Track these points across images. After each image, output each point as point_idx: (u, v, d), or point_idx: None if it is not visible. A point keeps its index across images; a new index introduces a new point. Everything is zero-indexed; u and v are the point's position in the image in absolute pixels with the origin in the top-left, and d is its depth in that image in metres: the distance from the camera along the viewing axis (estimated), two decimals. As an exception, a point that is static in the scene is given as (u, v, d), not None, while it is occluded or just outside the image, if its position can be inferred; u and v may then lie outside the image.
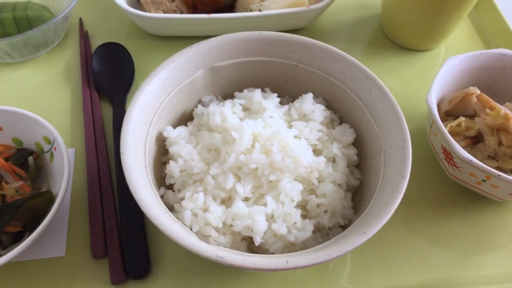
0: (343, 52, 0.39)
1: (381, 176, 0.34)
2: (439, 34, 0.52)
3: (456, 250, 0.40)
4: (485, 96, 0.42)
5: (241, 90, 0.41)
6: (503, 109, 0.40)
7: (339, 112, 0.41)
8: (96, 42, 0.53)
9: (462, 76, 0.45)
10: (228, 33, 0.40)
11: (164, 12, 0.54)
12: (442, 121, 0.43)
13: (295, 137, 0.36)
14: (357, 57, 0.53)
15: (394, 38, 0.55)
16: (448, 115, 0.44)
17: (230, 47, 0.39)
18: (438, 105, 0.44)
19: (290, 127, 0.38)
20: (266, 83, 0.41)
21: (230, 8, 0.56)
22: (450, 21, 0.50)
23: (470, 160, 0.37)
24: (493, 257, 0.40)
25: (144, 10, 0.53)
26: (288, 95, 0.42)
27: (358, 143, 0.39)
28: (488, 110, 0.40)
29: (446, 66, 0.43)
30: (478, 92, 0.43)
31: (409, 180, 0.43)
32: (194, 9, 0.55)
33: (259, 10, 0.52)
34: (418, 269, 0.39)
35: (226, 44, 0.39)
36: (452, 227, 0.41)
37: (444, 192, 0.43)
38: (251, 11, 0.53)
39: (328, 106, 0.41)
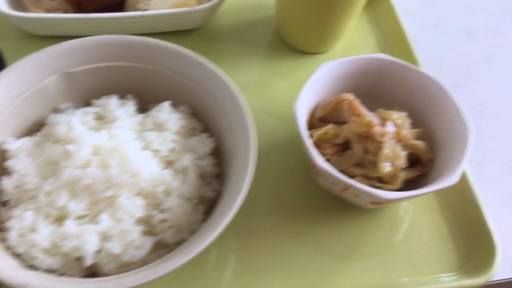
0: (201, 59, 0.37)
1: (228, 189, 0.33)
2: (331, 36, 0.52)
3: (333, 255, 0.40)
4: (354, 103, 0.41)
5: (100, 97, 0.39)
6: (368, 117, 0.39)
7: (205, 120, 0.39)
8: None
9: (339, 81, 0.44)
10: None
11: (46, 11, 0.51)
12: (316, 128, 0.42)
13: (143, 148, 0.34)
14: (252, 59, 0.53)
15: (289, 41, 0.54)
16: (323, 121, 0.43)
17: (85, 52, 0.37)
18: (314, 111, 0.43)
19: (142, 137, 0.36)
20: (129, 90, 0.40)
21: (121, 7, 0.54)
22: (340, 22, 0.50)
23: (325, 170, 0.36)
24: (361, 265, 0.40)
25: (26, 8, 0.50)
26: (154, 103, 0.41)
27: (220, 153, 0.38)
28: (354, 117, 0.40)
29: (318, 73, 0.42)
30: (352, 98, 0.42)
31: (287, 186, 0.43)
32: (79, 8, 0.52)
33: (146, 9, 0.50)
34: (302, 270, 0.39)
35: (80, 48, 0.37)
36: (331, 233, 0.41)
37: (316, 199, 0.42)
38: (137, 8, 0.51)
39: (194, 114, 0.40)
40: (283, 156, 0.45)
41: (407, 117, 0.42)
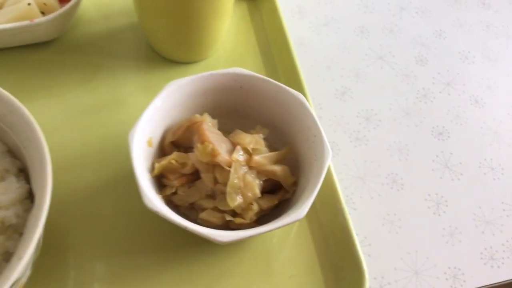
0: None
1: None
2: (201, 43, 0.47)
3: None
4: (201, 127, 0.36)
5: None
6: (212, 144, 0.35)
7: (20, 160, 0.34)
8: None
9: (195, 100, 0.39)
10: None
11: None
12: (168, 154, 0.37)
13: None
14: (115, 72, 0.47)
15: (158, 50, 0.48)
16: (176, 146, 0.38)
17: None
18: (165, 136, 0.38)
19: None
20: None
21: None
22: (206, 28, 0.45)
23: (156, 212, 0.31)
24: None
25: None
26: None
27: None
28: (198, 144, 0.35)
29: (163, 94, 0.37)
30: (207, 119, 0.38)
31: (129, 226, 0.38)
32: None
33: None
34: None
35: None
36: (186, 275, 0.36)
37: (168, 235, 0.38)
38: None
39: (9, 152, 0.34)
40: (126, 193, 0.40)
41: (266, 139, 0.38)
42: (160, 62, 0.48)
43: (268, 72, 0.48)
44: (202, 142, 0.35)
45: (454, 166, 0.44)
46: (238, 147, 0.35)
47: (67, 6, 0.44)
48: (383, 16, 0.56)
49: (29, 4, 0.44)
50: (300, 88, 0.44)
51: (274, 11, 0.51)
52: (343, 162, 0.44)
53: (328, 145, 0.35)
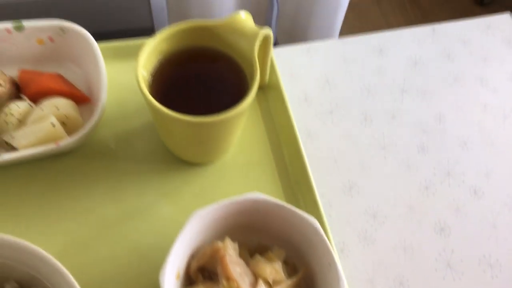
0: (34, 248, 0.35)
1: None
2: (216, 151, 0.49)
3: None
4: (224, 261, 0.39)
5: None
6: (237, 282, 0.38)
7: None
8: None
9: (216, 224, 0.42)
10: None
11: None
12: (194, 281, 0.40)
13: None
14: (134, 178, 0.49)
15: (174, 152, 0.51)
16: (201, 271, 0.41)
17: None
18: (190, 262, 0.41)
19: None
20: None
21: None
22: (223, 142, 0.47)
23: None
24: None
25: None
26: None
27: None
28: (223, 280, 0.38)
29: (189, 226, 0.40)
30: (229, 247, 0.41)
31: None
32: None
33: (9, 144, 0.46)
34: None
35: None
36: None
37: None
38: (5, 141, 0.47)
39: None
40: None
41: (284, 265, 0.41)
42: (177, 163, 0.51)
43: (280, 175, 0.51)
44: (227, 279, 0.38)
45: (456, 265, 0.48)
46: (260, 281, 0.38)
47: (92, 123, 0.46)
48: (385, 100, 0.59)
49: (53, 125, 0.46)
50: (313, 202, 0.47)
51: (281, 100, 0.54)
52: (353, 265, 0.47)
53: (342, 275, 0.38)
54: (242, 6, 1.07)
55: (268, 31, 0.46)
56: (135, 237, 0.46)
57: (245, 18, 0.45)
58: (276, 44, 1.05)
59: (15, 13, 0.91)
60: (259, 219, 0.43)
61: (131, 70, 0.54)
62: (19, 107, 0.48)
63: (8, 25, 0.51)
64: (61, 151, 0.47)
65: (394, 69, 0.61)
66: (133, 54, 0.49)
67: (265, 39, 0.47)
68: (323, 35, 1.12)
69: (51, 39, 0.53)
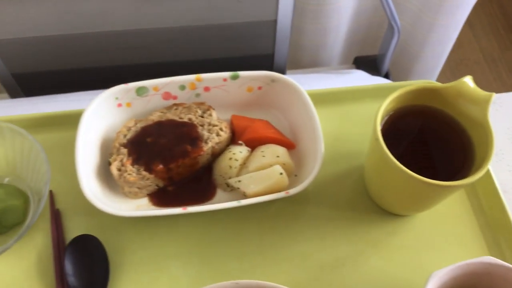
0: None
1: None
2: (427, 206, 0.51)
3: None
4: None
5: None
6: None
7: None
8: (69, 220, 0.51)
9: (448, 285, 0.44)
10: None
11: (139, 189, 0.51)
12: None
13: None
14: (341, 226, 0.52)
15: (378, 203, 0.53)
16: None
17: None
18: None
19: None
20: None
21: (208, 172, 0.54)
22: (435, 200, 0.49)
23: None
24: None
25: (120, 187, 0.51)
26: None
27: None
28: None
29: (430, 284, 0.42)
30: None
31: None
32: (169, 180, 0.52)
33: (230, 186, 0.51)
34: None
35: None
36: None
37: None
38: (227, 183, 0.52)
39: None
40: None
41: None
42: (375, 212, 0.53)
43: (482, 228, 0.52)
44: None
45: None
46: None
47: (315, 173, 0.49)
48: None
49: (280, 173, 0.50)
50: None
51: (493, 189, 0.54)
52: None
53: None
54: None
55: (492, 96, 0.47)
56: (349, 284, 0.49)
57: (473, 87, 0.47)
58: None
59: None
60: (486, 282, 0.44)
61: (334, 116, 0.57)
62: (241, 152, 0.52)
63: (225, 74, 0.56)
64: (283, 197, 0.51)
65: None
66: (331, 100, 0.52)
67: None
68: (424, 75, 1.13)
69: (259, 88, 0.57)
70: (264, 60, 1.02)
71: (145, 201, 0.52)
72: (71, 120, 0.55)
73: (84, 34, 0.81)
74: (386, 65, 1.15)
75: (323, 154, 0.50)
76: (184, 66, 0.93)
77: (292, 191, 0.49)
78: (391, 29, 0.94)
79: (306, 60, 1.15)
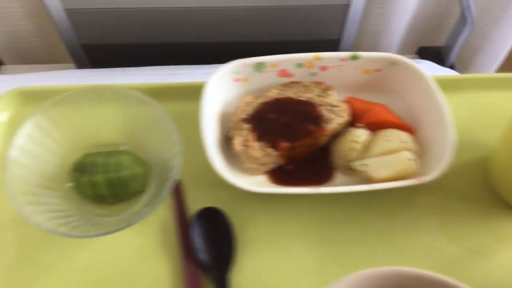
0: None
1: None
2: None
3: None
4: None
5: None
6: None
7: None
8: (188, 192, 0.50)
9: None
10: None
11: (261, 166, 0.50)
12: None
13: None
14: (462, 217, 0.50)
15: (503, 195, 0.51)
16: None
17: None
18: None
19: None
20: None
21: (325, 153, 0.53)
22: None
23: None
24: None
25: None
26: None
27: None
28: None
29: None
30: None
31: None
32: (289, 159, 0.51)
33: (354, 169, 0.49)
34: None
35: (359, 283, 0.36)
36: None
37: None
38: (348, 166, 0.50)
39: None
40: None
41: None
42: (498, 207, 0.51)
43: None
44: None
45: None
46: None
47: (447, 159, 0.47)
48: None
49: (409, 159, 0.48)
50: None
51: None
52: None
53: None
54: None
55: None
56: (480, 277, 0.47)
57: None
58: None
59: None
60: None
61: (454, 104, 0.55)
62: (362, 135, 0.51)
63: (344, 54, 0.54)
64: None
65: None
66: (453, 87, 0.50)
67: None
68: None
69: (377, 70, 0.55)
70: (328, 45, 1.00)
71: (262, 178, 0.51)
72: (190, 92, 0.54)
73: (158, 9, 0.79)
74: (453, 57, 1.12)
75: (454, 143, 0.48)
76: (246, 48, 0.91)
77: (425, 178, 0.47)
78: (463, 20, 0.91)
79: (366, 45, 1.13)
